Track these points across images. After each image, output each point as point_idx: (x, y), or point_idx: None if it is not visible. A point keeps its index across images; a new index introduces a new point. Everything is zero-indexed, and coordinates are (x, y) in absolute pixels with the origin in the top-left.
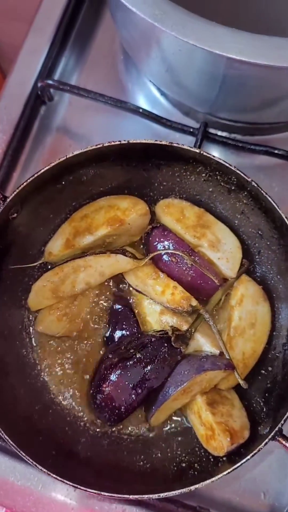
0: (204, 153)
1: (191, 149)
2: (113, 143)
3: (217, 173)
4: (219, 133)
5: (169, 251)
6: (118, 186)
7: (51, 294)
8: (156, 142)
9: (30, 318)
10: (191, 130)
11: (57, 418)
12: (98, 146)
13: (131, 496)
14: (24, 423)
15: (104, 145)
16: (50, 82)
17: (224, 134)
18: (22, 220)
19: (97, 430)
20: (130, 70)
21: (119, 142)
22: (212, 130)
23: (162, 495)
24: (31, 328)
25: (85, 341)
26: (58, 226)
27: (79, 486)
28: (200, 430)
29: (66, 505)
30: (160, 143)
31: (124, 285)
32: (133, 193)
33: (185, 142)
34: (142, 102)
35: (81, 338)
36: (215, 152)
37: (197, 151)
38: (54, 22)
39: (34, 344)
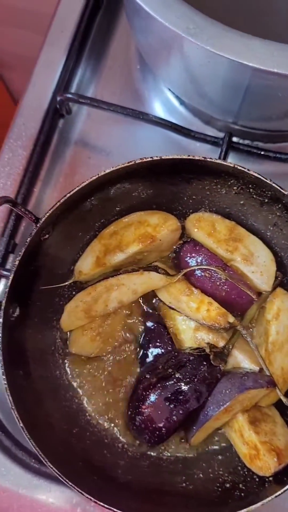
0: (239, 167)
1: (224, 163)
2: (145, 160)
3: (250, 186)
4: (241, 141)
5: (203, 267)
6: (147, 201)
7: (84, 314)
8: (189, 157)
9: (62, 339)
10: (215, 140)
11: (95, 441)
12: (130, 163)
13: None
14: (63, 449)
15: (136, 162)
16: (69, 96)
17: (246, 142)
18: (52, 240)
19: (136, 451)
20: (147, 79)
21: (151, 159)
22: (234, 139)
23: None
24: (62, 349)
25: (119, 360)
26: (87, 244)
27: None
28: (243, 449)
29: None
30: (193, 158)
31: (155, 301)
32: (161, 208)
33: (207, 151)
34: (160, 111)
35: (114, 357)
36: (235, 160)
37: (231, 165)
38: (69, 34)
39: (67, 365)
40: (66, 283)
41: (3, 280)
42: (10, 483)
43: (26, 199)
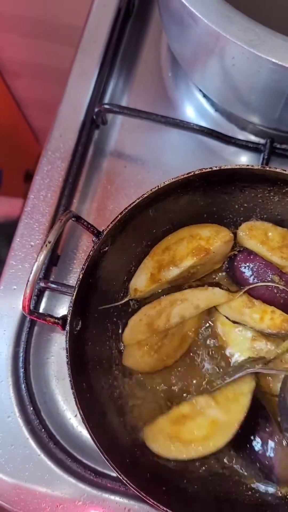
0: None
1: (284, 172)
2: (204, 170)
3: None
4: (278, 146)
5: (265, 284)
6: (199, 210)
7: (147, 328)
8: (248, 167)
9: (118, 350)
10: (257, 146)
11: None
12: (190, 174)
13: None
14: (130, 461)
15: (195, 172)
16: (107, 106)
17: (283, 146)
18: (109, 253)
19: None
20: (179, 86)
21: (210, 169)
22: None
23: None
24: (119, 360)
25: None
26: (139, 254)
27: None
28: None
29: None
30: (252, 168)
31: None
32: (212, 217)
33: (246, 157)
34: (194, 118)
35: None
36: (276, 166)
37: None
38: (101, 44)
39: (123, 378)
40: (122, 301)
41: (47, 292)
42: (67, 495)
43: (66, 210)
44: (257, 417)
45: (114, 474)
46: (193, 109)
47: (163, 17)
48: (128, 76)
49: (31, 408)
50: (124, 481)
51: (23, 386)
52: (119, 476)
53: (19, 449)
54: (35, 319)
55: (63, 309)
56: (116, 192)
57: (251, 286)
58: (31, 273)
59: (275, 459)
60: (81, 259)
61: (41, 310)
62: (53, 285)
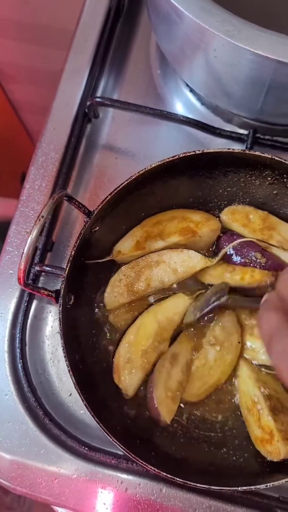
0: (276, 158)
1: (263, 155)
2: (188, 154)
3: (284, 176)
4: (262, 136)
5: (243, 240)
6: (185, 195)
7: (126, 289)
8: (229, 150)
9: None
10: (240, 136)
11: (146, 420)
12: (174, 157)
13: (239, 488)
14: (121, 429)
15: (180, 156)
16: (99, 100)
17: (266, 137)
18: (100, 232)
19: (183, 430)
20: (168, 83)
21: (193, 152)
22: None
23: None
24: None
25: None
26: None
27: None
28: (256, 432)
29: None
30: (233, 151)
31: None
32: (198, 201)
33: (232, 147)
34: (182, 112)
35: None
36: None
37: (269, 156)
38: (92, 43)
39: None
40: (105, 259)
41: (43, 275)
42: (62, 469)
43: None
44: None
45: (107, 448)
46: (181, 104)
47: (151, 17)
48: (118, 74)
49: (27, 387)
50: (115, 442)
51: (19, 366)
52: (110, 438)
53: (15, 426)
54: (29, 290)
55: None
56: (108, 183)
57: (229, 246)
58: (25, 246)
59: None
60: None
61: None
62: (47, 268)
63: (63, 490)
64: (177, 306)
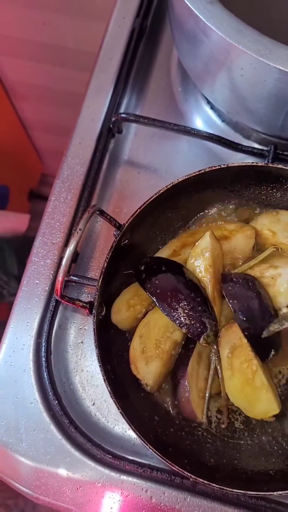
0: None
1: (285, 167)
2: (214, 168)
3: None
4: (281, 152)
5: None
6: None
7: None
8: (253, 164)
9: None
10: (261, 152)
11: (177, 430)
12: (201, 171)
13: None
14: (154, 437)
15: (206, 170)
16: (124, 115)
17: (285, 153)
18: (129, 245)
19: (215, 438)
20: (188, 100)
21: (219, 167)
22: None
23: None
24: None
25: None
26: (154, 247)
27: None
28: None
29: None
30: (257, 164)
31: None
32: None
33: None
34: (203, 128)
35: None
36: None
37: None
38: (117, 61)
39: None
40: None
41: (70, 285)
42: (87, 477)
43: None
44: None
45: (131, 457)
46: (201, 120)
47: (175, 35)
48: (141, 91)
49: (53, 395)
50: (149, 448)
51: (45, 374)
52: (145, 444)
53: (41, 434)
54: (65, 302)
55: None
56: (131, 196)
57: None
58: (64, 257)
59: None
60: (98, 257)
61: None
62: (74, 278)
63: (87, 499)
64: None
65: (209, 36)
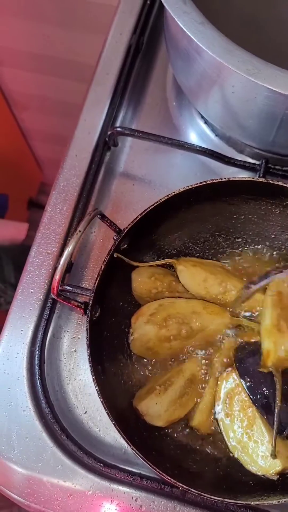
0: None
1: (284, 185)
2: (215, 181)
3: None
4: (272, 166)
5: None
6: (206, 220)
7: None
8: (253, 179)
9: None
10: (253, 166)
11: (162, 435)
12: (202, 183)
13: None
14: (139, 440)
15: (207, 182)
16: (119, 129)
17: (277, 167)
18: (127, 250)
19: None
20: (183, 114)
21: (220, 180)
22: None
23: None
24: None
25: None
26: (152, 255)
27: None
28: None
29: None
30: (257, 180)
31: None
32: (220, 225)
33: (245, 176)
34: (197, 142)
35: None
36: None
37: None
38: (113, 77)
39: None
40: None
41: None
42: (77, 485)
43: (80, 222)
44: None
45: (121, 465)
46: (195, 134)
47: (170, 53)
48: (136, 105)
49: (45, 403)
50: (135, 452)
51: (38, 382)
52: (132, 448)
53: (33, 441)
54: (61, 301)
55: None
56: (126, 208)
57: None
58: (61, 257)
59: None
60: (92, 267)
61: (56, 311)
62: (68, 287)
63: (77, 507)
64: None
65: (201, 55)
